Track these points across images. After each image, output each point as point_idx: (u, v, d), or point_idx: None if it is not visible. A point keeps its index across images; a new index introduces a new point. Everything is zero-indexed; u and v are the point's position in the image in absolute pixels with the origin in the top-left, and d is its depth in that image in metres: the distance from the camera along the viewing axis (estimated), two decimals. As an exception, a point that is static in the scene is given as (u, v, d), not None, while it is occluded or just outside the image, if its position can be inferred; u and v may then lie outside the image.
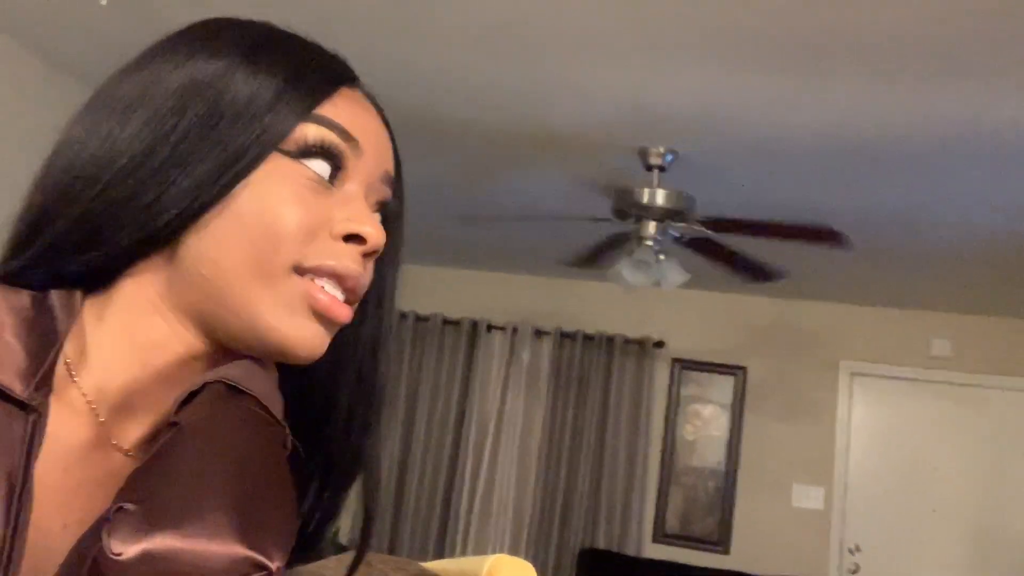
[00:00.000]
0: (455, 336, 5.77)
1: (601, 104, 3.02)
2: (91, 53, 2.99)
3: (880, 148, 3.10)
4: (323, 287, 0.57)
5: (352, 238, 0.58)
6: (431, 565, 0.88)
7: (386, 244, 0.63)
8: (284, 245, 0.56)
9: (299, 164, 0.57)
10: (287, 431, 0.56)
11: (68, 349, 0.58)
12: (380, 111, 0.66)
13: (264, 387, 0.57)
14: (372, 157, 0.61)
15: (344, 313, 0.58)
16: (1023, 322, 5.20)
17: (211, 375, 0.55)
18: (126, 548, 0.44)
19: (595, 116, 3.12)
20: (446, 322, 5.79)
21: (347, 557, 0.69)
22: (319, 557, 0.75)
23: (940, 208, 3.65)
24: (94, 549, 0.45)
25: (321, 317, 0.57)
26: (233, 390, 0.55)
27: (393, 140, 0.66)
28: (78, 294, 0.59)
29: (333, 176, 0.59)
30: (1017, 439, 5.15)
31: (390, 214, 0.65)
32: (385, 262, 0.65)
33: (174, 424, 0.52)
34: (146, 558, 0.44)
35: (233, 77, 0.58)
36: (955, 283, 4.72)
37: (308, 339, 0.57)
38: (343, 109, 0.60)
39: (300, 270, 0.56)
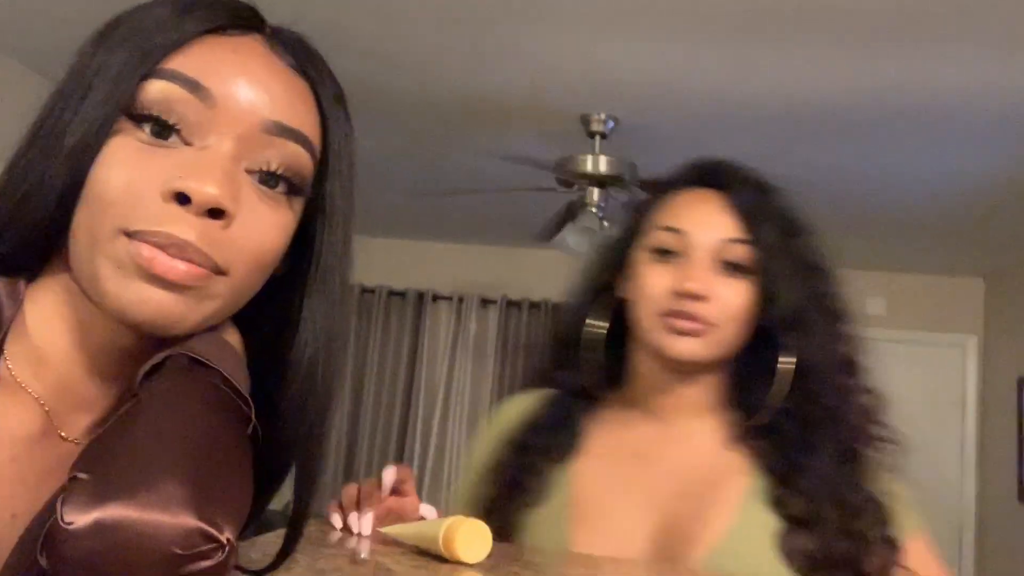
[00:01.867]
0: (401, 307, 5.75)
1: (543, 71, 3.02)
2: (41, 37, 2.89)
3: (817, 115, 3.15)
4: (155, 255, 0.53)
5: (179, 197, 0.53)
6: (389, 530, 0.89)
7: (320, 221, 0.61)
8: (109, 210, 0.53)
9: (140, 125, 0.55)
10: (251, 408, 0.55)
11: (11, 338, 0.57)
12: (294, 57, 0.61)
13: (230, 363, 0.56)
14: (238, 105, 0.56)
15: (174, 270, 0.53)
16: (953, 279, 5.37)
17: (176, 348, 0.55)
18: (78, 517, 0.44)
19: (537, 83, 3.12)
20: (391, 293, 5.76)
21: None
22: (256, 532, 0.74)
23: (874, 171, 3.74)
24: (49, 522, 0.45)
25: (157, 279, 0.53)
26: (197, 364, 0.54)
27: (317, 93, 0.61)
28: (21, 282, 0.59)
29: (183, 131, 0.55)
30: (950, 393, 5.33)
31: (322, 191, 0.61)
32: (324, 239, 0.62)
33: (135, 396, 0.52)
34: (98, 527, 0.44)
35: (93, 55, 0.57)
36: (888, 243, 4.84)
37: (140, 303, 0.53)
38: (197, 58, 0.56)
39: (128, 234, 0.53)
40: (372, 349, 5.68)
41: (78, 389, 0.59)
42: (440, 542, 0.77)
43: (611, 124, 3.34)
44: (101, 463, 0.47)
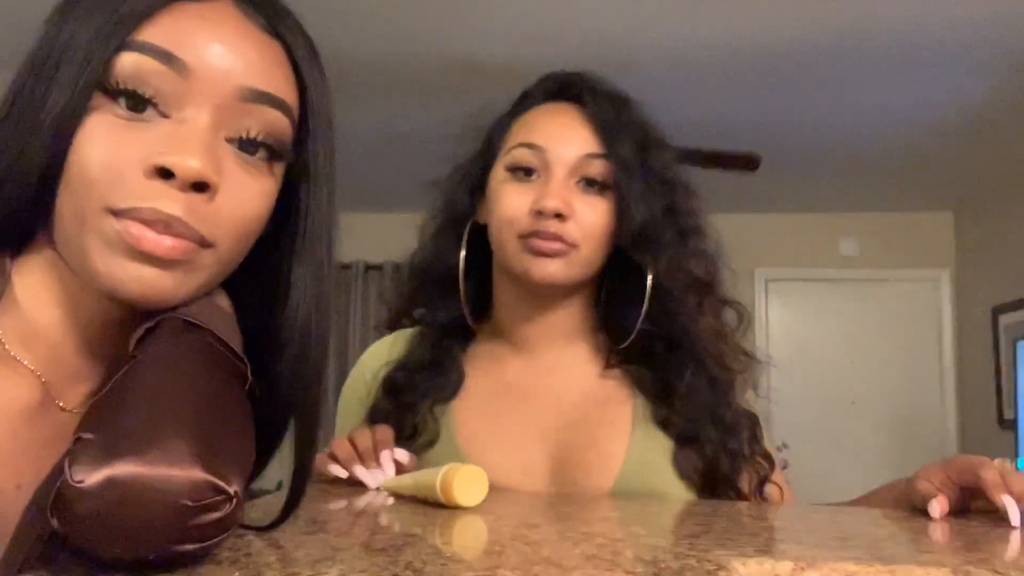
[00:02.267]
0: (379, 281, 5.75)
1: (516, 30, 3.01)
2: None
3: (781, 58, 3.17)
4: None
5: (163, 173, 0.53)
6: (386, 483, 0.90)
7: (304, 183, 0.61)
8: (92, 188, 0.53)
9: (116, 99, 0.54)
10: (246, 365, 0.56)
11: (2, 311, 0.57)
12: (265, 17, 0.60)
13: (222, 323, 0.57)
14: (213, 75, 0.55)
15: (161, 246, 0.53)
16: (923, 215, 5.43)
17: (169, 313, 0.56)
18: (88, 475, 0.45)
19: (511, 43, 3.11)
20: (369, 268, 5.75)
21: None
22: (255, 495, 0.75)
23: (841, 112, 3.76)
24: (59, 483, 0.46)
25: (145, 256, 0.53)
26: (191, 326, 0.55)
27: (292, 52, 0.60)
28: (7, 257, 0.59)
29: (160, 104, 0.54)
30: (924, 327, 5.42)
31: (303, 152, 0.61)
32: (309, 200, 0.62)
33: (132, 358, 0.53)
34: (109, 484, 0.45)
35: (61, 27, 0.56)
36: (857, 183, 4.89)
37: (132, 281, 0.53)
38: (168, 27, 0.55)
39: (115, 212, 0.53)
40: (353, 324, 5.68)
41: (71, 360, 0.59)
42: (438, 488, 0.79)
43: (576, 81, 3.33)
44: (106, 423, 0.48)
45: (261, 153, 0.58)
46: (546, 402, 1.02)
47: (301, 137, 0.61)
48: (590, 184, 0.99)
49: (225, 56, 0.56)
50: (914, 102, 3.63)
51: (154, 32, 0.55)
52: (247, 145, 0.57)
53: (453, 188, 1.10)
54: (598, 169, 0.99)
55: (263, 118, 0.57)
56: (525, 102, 1.07)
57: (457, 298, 1.04)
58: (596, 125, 1.00)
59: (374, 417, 1.03)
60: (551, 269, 0.97)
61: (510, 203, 0.99)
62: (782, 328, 5.53)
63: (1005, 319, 4.79)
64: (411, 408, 1.02)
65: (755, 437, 1.02)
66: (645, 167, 1.00)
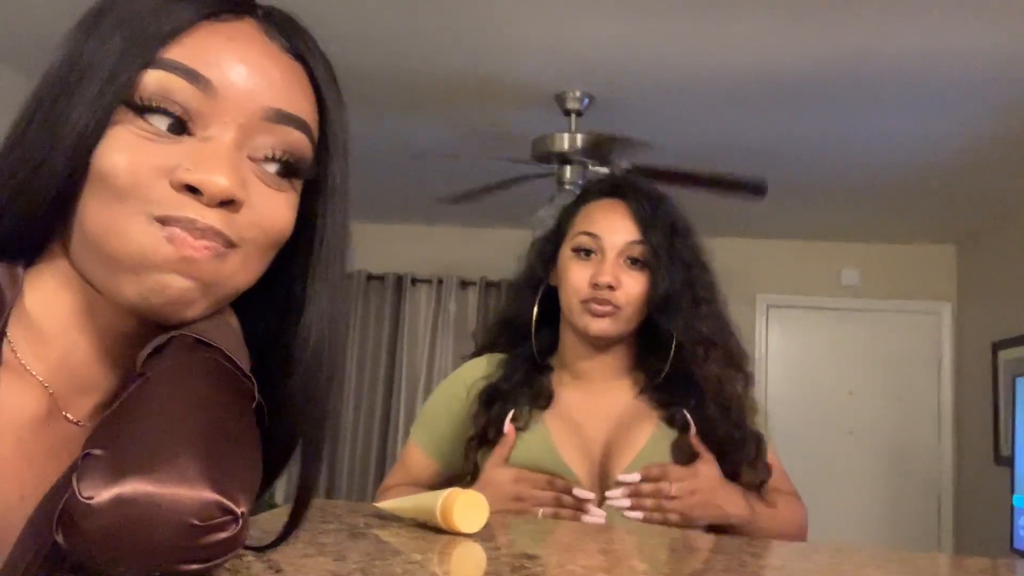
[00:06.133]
0: (380, 291, 5.75)
1: (517, 50, 3.02)
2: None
3: (789, 85, 3.17)
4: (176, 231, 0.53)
5: (190, 189, 0.54)
6: (386, 505, 0.90)
7: (321, 202, 0.62)
8: (123, 196, 0.53)
9: (142, 115, 0.55)
10: (254, 384, 0.56)
11: (13, 322, 0.57)
12: (287, 39, 0.61)
13: (230, 341, 0.57)
14: (238, 94, 0.56)
15: (198, 249, 0.53)
16: (924, 247, 5.43)
17: (179, 329, 0.55)
18: (98, 492, 0.45)
19: (511, 63, 3.11)
20: (370, 278, 5.75)
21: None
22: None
23: (847, 142, 3.77)
24: (64, 497, 0.46)
25: (175, 265, 0.53)
26: (200, 343, 0.55)
27: (312, 73, 0.62)
28: (20, 267, 0.59)
29: (185, 122, 0.55)
30: (924, 359, 5.41)
31: (321, 171, 0.62)
32: (326, 219, 0.63)
33: (142, 375, 0.53)
34: (118, 502, 0.45)
35: (85, 42, 0.57)
36: (861, 214, 4.89)
37: (162, 289, 0.54)
38: (194, 47, 0.56)
39: (150, 220, 0.53)
40: (353, 334, 5.67)
41: (81, 372, 0.59)
42: (438, 514, 0.78)
43: (586, 101, 3.34)
44: (116, 440, 0.48)
45: (282, 170, 0.59)
46: (600, 415, 1.34)
47: (319, 156, 0.62)
48: (633, 262, 1.31)
49: (250, 77, 0.57)
50: (920, 134, 3.63)
51: (180, 51, 0.55)
52: (269, 163, 0.58)
53: (532, 259, 1.44)
54: (639, 251, 1.31)
55: (285, 138, 0.58)
56: (586, 196, 1.41)
57: (530, 341, 1.37)
58: (637, 218, 1.32)
59: (480, 416, 1.33)
60: (602, 326, 1.30)
61: (575, 276, 1.32)
62: (781, 354, 5.52)
63: (1005, 355, 4.78)
64: (514, 406, 1.31)
65: (759, 451, 1.32)
66: (672, 251, 1.31)
